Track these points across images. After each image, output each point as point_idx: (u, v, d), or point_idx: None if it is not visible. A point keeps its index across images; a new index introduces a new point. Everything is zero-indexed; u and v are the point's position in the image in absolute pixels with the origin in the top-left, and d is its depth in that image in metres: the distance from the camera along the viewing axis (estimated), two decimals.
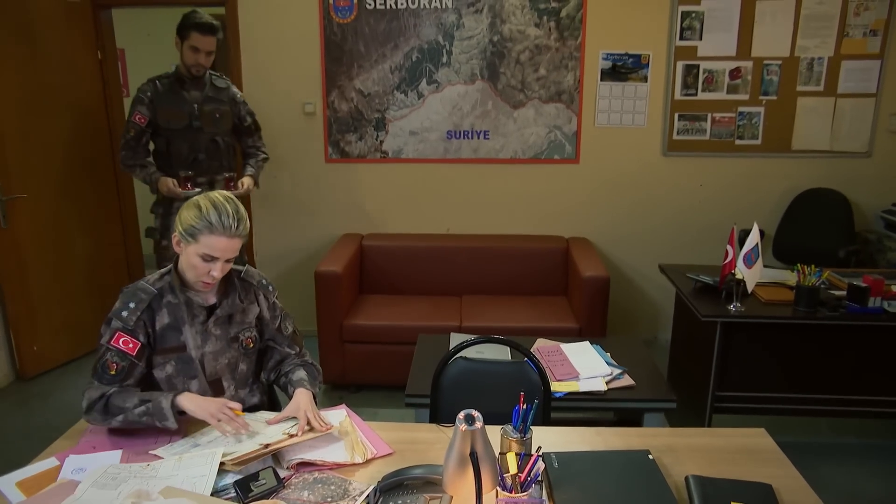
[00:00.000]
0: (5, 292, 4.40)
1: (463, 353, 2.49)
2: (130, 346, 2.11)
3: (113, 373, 2.09)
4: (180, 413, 2.01)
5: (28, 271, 4.48)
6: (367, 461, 1.95)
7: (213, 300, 2.23)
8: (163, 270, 2.22)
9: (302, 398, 2.14)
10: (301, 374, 2.31)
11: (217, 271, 2.08)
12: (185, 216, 2.07)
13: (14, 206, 4.34)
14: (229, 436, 1.98)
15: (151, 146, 4.11)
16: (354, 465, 1.93)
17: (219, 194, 2.11)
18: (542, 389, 2.37)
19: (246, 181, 4.16)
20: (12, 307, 4.43)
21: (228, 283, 2.26)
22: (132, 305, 2.12)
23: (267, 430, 2.04)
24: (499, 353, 2.81)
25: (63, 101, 4.61)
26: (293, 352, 2.41)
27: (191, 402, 2.01)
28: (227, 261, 2.12)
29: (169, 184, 3.92)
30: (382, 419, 3.57)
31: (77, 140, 4.74)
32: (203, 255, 2.06)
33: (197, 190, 3.90)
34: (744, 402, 3.54)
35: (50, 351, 4.64)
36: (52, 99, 4.53)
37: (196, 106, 4.00)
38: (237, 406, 2.02)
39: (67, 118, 4.66)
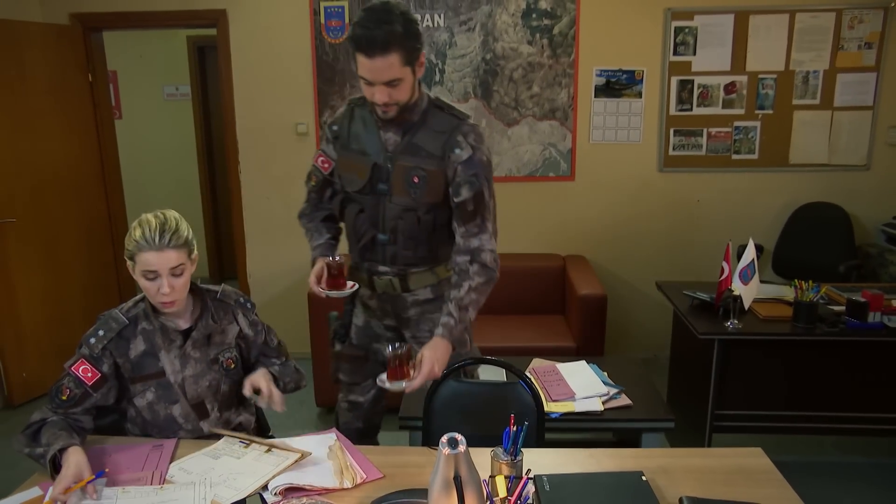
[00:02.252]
0: None
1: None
2: (90, 374, 2.11)
3: (64, 398, 2.09)
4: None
5: (17, 296, 4.45)
6: (356, 485, 1.92)
7: (185, 325, 2.22)
8: (137, 297, 2.21)
9: (257, 373, 2.27)
10: (273, 367, 2.39)
11: (165, 287, 2.05)
12: (125, 242, 2.09)
13: (3, 230, 4.32)
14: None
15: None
16: (343, 489, 1.90)
17: (154, 213, 2.12)
18: (535, 411, 2.34)
19: (426, 361, 2.21)
20: (1, 333, 4.39)
21: (202, 305, 2.25)
22: (101, 333, 2.13)
23: (254, 464, 2.01)
24: (494, 373, 2.77)
25: (53, 124, 4.61)
26: (279, 362, 2.43)
27: (64, 465, 1.88)
28: (175, 275, 2.08)
29: (312, 274, 2.45)
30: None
31: (67, 163, 4.73)
32: (143, 272, 2.06)
33: (352, 287, 2.43)
34: (744, 421, 3.52)
35: (39, 378, 4.59)
36: (41, 122, 4.53)
37: (386, 155, 2.39)
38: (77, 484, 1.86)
39: (57, 141, 4.65)
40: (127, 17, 4.83)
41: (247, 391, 2.22)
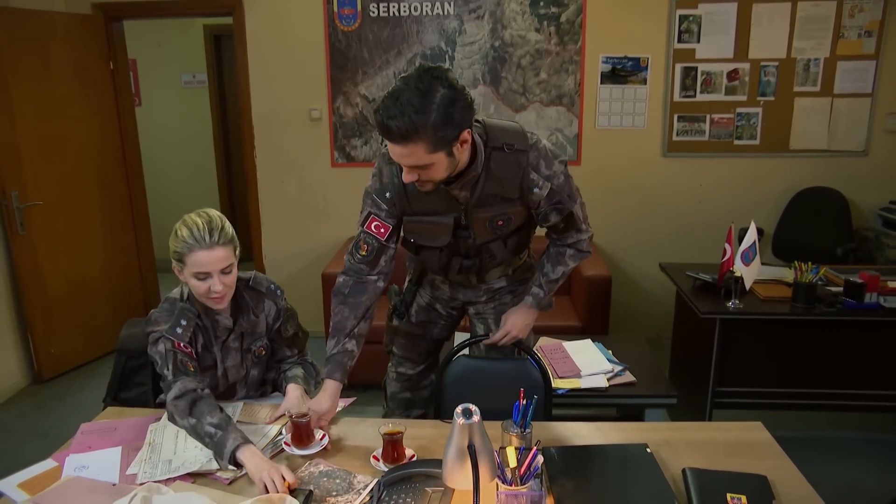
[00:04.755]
0: (23, 297, 4.50)
1: (467, 352, 2.56)
2: (189, 350, 2.14)
3: (192, 369, 2.11)
4: (236, 464, 1.94)
5: (44, 276, 4.58)
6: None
7: (229, 321, 2.26)
8: (184, 294, 2.23)
9: (293, 393, 2.23)
10: (297, 371, 2.37)
11: (217, 285, 2.07)
12: (170, 245, 2.10)
13: (30, 213, 4.44)
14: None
15: None
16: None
17: (196, 213, 2.12)
18: (543, 386, 2.41)
19: (508, 324, 2.49)
20: (30, 311, 4.53)
21: (240, 299, 2.28)
22: (184, 323, 2.15)
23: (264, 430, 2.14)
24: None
25: (76, 110, 4.72)
26: (290, 353, 2.45)
27: (250, 460, 1.90)
28: (225, 273, 2.10)
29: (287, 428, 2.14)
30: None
31: (90, 148, 4.84)
32: (195, 273, 2.07)
33: (321, 438, 2.09)
34: (744, 398, 3.59)
35: (66, 353, 4.74)
36: (65, 109, 4.64)
37: (463, 209, 2.24)
38: (291, 479, 1.83)
39: (81, 127, 4.76)
40: (146, 6, 4.92)
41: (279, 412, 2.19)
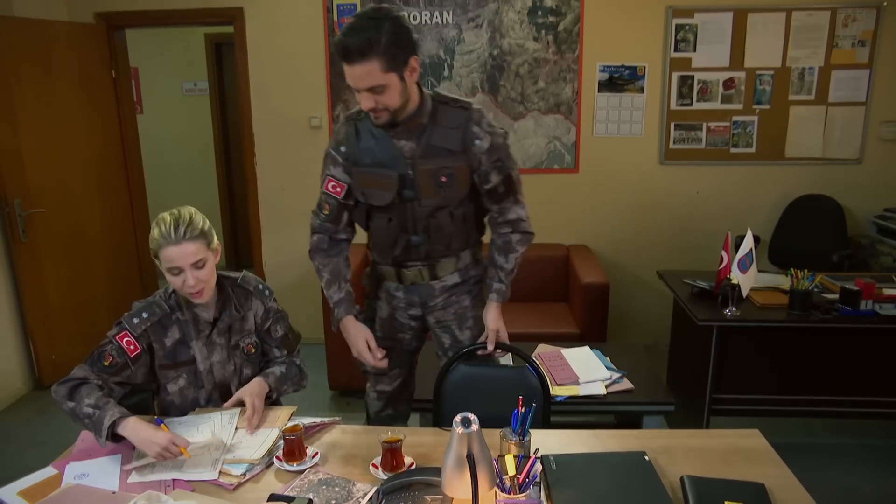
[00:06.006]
0: (25, 303, 4.52)
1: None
2: (132, 347, 2.17)
3: (106, 363, 2.14)
4: (117, 438, 2.00)
5: (46, 283, 4.60)
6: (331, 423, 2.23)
7: (212, 315, 2.29)
8: (170, 289, 2.27)
9: (252, 386, 2.27)
10: (274, 368, 2.40)
11: (190, 280, 2.11)
12: (149, 240, 2.17)
13: (33, 220, 4.46)
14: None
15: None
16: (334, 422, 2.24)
17: (170, 210, 2.16)
18: (541, 394, 2.41)
19: (492, 327, 2.57)
20: (31, 318, 4.55)
21: (225, 294, 2.31)
22: (144, 315, 2.20)
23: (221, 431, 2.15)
24: (502, 358, 2.86)
25: (79, 118, 4.75)
26: (279, 354, 2.47)
27: (134, 432, 1.97)
28: (197, 267, 2.13)
29: (360, 342, 2.54)
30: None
31: (92, 156, 4.87)
32: (168, 269, 2.12)
33: (313, 456, 2.04)
34: (741, 405, 3.60)
35: (67, 360, 4.64)
36: (68, 116, 4.67)
37: (409, 164, 2.38)
38: (183, 444, 1.97)
39: (83, 135, 4.79)
40: (148, 16, 4.94)
41: (228, 405, 2.26)
